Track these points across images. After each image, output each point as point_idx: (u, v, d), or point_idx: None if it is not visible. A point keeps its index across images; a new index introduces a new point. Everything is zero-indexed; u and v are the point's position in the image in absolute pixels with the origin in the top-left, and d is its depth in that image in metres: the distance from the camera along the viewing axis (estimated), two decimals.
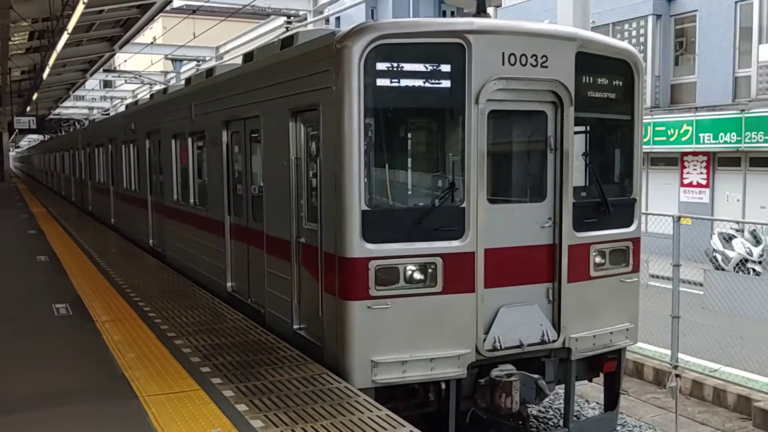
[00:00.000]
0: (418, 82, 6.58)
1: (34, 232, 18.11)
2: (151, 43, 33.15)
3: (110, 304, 9.48)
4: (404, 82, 6.55)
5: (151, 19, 25.24)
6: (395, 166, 7.20)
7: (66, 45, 20.63)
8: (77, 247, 15.12)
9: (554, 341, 7.13)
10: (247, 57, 9.48)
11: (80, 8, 14.03)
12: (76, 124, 38.19)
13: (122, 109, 25.71)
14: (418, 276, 6.60)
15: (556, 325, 7.18)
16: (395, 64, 6.50)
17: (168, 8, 24.26)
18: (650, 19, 23.65)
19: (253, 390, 6.12)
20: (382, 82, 6.49)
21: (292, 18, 22.99)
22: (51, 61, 22.28)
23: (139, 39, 31.26)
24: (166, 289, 10.45)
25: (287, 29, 21.55)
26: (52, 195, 34.78)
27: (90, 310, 9.17)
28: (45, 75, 25.78)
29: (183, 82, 14.17)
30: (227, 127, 9.74)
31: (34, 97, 35.06)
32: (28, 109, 40.33)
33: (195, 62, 33.71)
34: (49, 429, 5.50)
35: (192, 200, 11.80)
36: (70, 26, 15.94)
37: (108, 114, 44.00)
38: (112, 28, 27.98)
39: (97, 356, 7.21)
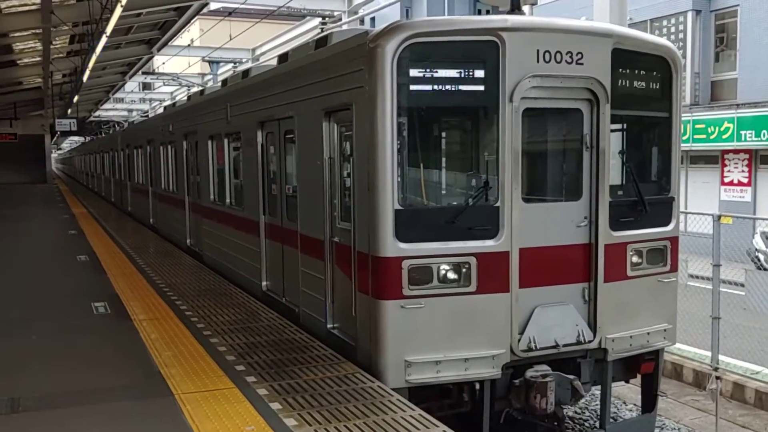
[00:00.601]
0: (451, 81, 6.52)
1: (75, 232, 18.43)
2: (189, 45, 33.57)
3: (148, 303, 9.61)
4: (438, 81, 6.49)
5: (188, 22, 25.56)
6: (428, 165, 7.16)
7: (105, 48, 20.97)
8: (116, 246, 15.35)
9: (590, 342, 7.04)
10: (282, 58, 9.54)
11: (118, 11, 14.24)
12: (116, 125, 38.79)
13: (160, 110, 25.96)
14: (451, 275, 6.54)
15: (592, 325, 7.08)
16: (428, 63, 6.46)
17: (205, 10, 24.53)
18: (689, 15, 23.27)
19: (287, 388, 6.15)
20: (415, 80, 6.46)
21: (327, 19, 23.09)
22: (90, 64, 22.64)
23: (176, 41, 31.66)
24: (202, 288, 10.56)
25: (322, 30, 21.63)
26: (93, 196, 35.32)
27: (128, 308, 9.31)
28: (85, 78, 26.21)
29: (220, 84, 14.33)
30: (262, 128, 9.77)
31: (75, 99, 35.65)
32: (69, 111, 41.05)
33: (231, 64, 34.03)
34: (87, 425, 5.58)
35: (228, 200, 11.85)
36: (109, 29, 16.19)
37: (147, 116, 44.60)
38: (150, 30, 28.38)
39: (135, 354, 7.31)
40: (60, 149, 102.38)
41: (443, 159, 7.57)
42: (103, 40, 17.57)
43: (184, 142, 14.76)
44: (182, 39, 32.99)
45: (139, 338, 7.87)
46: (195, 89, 29.97)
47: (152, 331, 8.15)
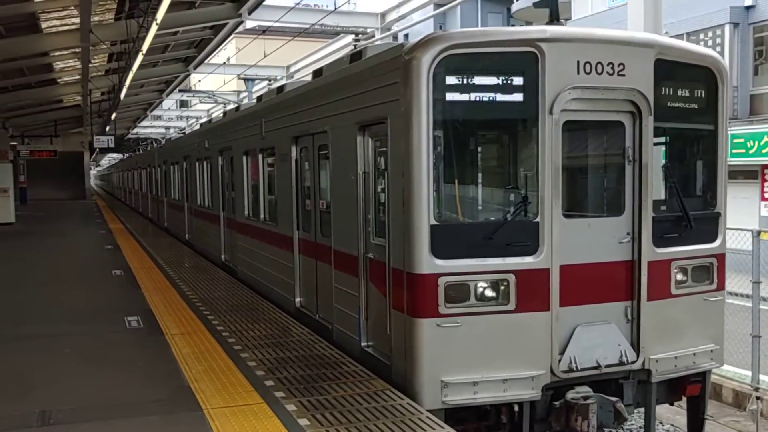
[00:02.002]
0: (489, 93, 6.37)
1: (111, 247, 18.67)
2: (224, 63, 33.98)
3: (180, 318, 9.65)
4: (474, 93, 6.35)
5: (224, 40, 25.86)
6: (465, 180, 7.04)
7: (142, 66, 21.34)
8: (151, 261, 15.50)
9: (633, 362, 6.79)
10: (317, 73, 9.50)
11: (153, 29, 14.46)
12: (153, 142, 39.34)
13: (197, 127, 26.25)
14: (489, 293, 6.36)
15: (635, 345, 6.84)
16: (465, 75, 6.31)
17: (240, 29, 24.80)
18: (727, 28, 22.94)
19: (316, 405, 6.11)
20: (451, 93, 6.32)
21: (360, 36, 23.20)
22: (127, 82, 23.03)
23: (213, 59, 32.06)
24: (234, 303, 10.59)
25: (355, 47, 21.73)
26: (130, 211, 35.82)
27: (160, 323, 9.36)
28: (122, 95, 26.67)
29: (255, 100, 14.43)
30: (296, 143, 9.73)
31: (113, 116, 36.30)
32: (107, 128, 41.76)
33: (266, 81, 34.37)
34: None
35: (262, 216, 11.85)
36: (145, 47, 16.45)
37: (183, 133, 45.18)
38: (187, 49, 28.80)
39: (165, 368, 7.33)
40: (99, 166, 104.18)
41: (480, 173, 7.41)
42: (140, 58, 17.86)
43: (220, 158, 14.82)
44: (218, 57, 33.40)
45: (170, 352, 7.89)
46: (230, 106, 30.33)
47: (183, 345, 8.17)
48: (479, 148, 7.48)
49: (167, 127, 58.21)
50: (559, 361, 6.53)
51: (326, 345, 8.10)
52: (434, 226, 6.29)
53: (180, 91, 38.94)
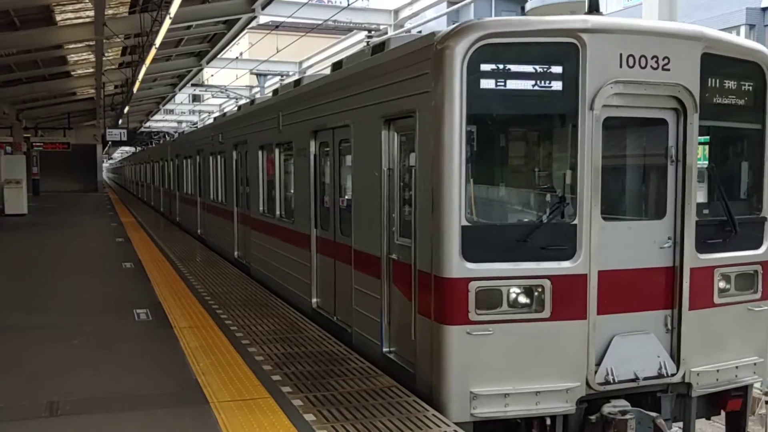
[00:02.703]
0: (526, 86, 5.99)
1: (122, 239, 18.75)
2: (237, 58, 34.04)
3: (189, 311, 9.68)
4: (511, 86, 5.97)
5: (237, 35, 25.92)
6: (499, 178, 6.77)
7: (155, 60, 21.41)
8: (162, 255, 15.56)
9: (673, 375, 6.41)
10: (336, 66, 9.24)
11: (167, 23, 14.50)
12: (166, 136, 39.47)
13: (210, 121, 25.97)
14: (523, 299, 6.02)
15: (675, 356, 6.46)
16: (501, 66, 5.93)
17: (254, 24, 24.85)
18: (743, 30, 22.83)
19: (322, 400, 6.11)
20: (486, 85, 5.93)
21: (372, 32, 23.17)
22: (141, 76, 23.11)
23: (225, 54, 32.14)
24: (243, 298, 10.61)
25: (368, 43, 21.73)
26: (142, 205, 35.89)
27: (169, 316, 9.39)
28: (135, 89, 26.76)
29: (270, 94, 14.36)
30: (315, 137, 9.40)
31: (126, 110, 36.47)
32: (120, 121, 42.00)
33: (279, 76, 34.40)
34: (123, 431, 5.62)
35: (278, 212, 11.53)
36: (158, 41, 16.49)
37: (197, 126, 45.28)
38: (200, 43, 28.89)
39: (173, 361, 7.35)
40: (111, 159, 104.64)
41: (514, 171, 7.07)
42: (153, 51, 17.91)
43: (234, 152, 14.55)
44: (231, 52, 33.47)
45: (178, 346, 7.92)
46: (243, 101, 30.36)
47: (192, 339, 8.20)
48: (515, 145, 7.08)
49: (179, 121, 58.43)
50: (595, 372, 6.16)
51: (334, 341, 8.11)
52: (465, 227, 5.94)
53: (192, 85, 39.05)
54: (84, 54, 26.19)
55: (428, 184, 6.14)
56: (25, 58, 25.04)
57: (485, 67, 5.91)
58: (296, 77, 27.48)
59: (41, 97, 35.14)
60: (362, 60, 8.13)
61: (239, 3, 21.50)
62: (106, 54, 25.23)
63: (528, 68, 5.99)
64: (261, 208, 12.47)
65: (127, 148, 68.43)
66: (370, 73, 7.58)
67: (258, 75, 34.94)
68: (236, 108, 18.24)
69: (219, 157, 16.33)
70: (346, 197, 8.47)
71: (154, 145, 39.97)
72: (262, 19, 24.86)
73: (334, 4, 26.82)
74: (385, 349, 7.23)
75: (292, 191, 10.85)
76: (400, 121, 6.93)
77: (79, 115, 44.35)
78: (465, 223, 5.94)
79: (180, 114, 57.78)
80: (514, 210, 6.89)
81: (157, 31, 16.16)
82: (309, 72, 32.03)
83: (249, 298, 10.62)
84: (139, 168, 43.38)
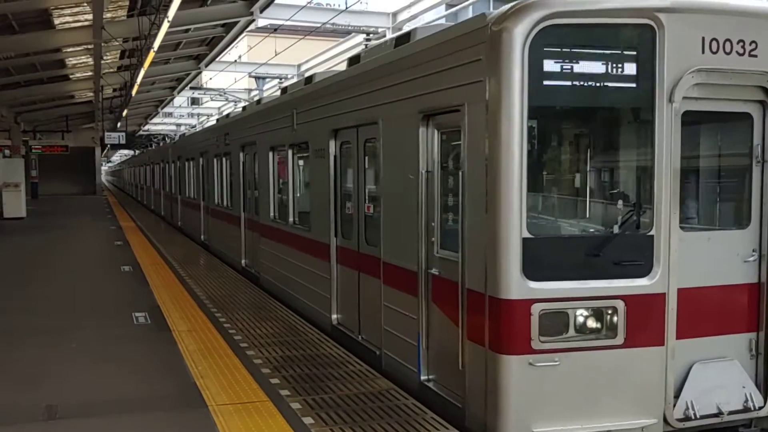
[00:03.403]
0: (594, 75, 5.25)
1: (121, 243, 18.75)
2: (235, 61, 34.05)
3: (188, 315, 9.68)
4: (578, 75, 5.23)
5: (235, 38, 25.92)
6: (565, 182, 6.12)
7: (154, 63, 21.42)
8: (161, 259, 15.55)
9: (760, 408, 5.65)
10: (353, 60, 8.69)
11: (165, 26, 14.51)
12: (165, 138, 39.46)
13: (212, 122, 25.13)
14: (592, 323, 5.28)
15: (762, 386, 5.71)
16: (568, 51, 5.19)
17: (252, 27, 24.85)
18: None
19: (321, 403, 6.11)
20: (551, 74, 5.18)
21: (371, 35, 23.19)
22: (139, 79, 23.12)
23: (224, 57, 32.14)
24: (242, 301, 10.61)
25: (366, 46, 21.73)
26: (141, 209, 35.73)
27: (168, 319, 9.39)
28: (134, 92, 26.77)
29: (277, 93, 13.98)
30: (335, 137, 8.70)
31: (124, 113, 36.46)
32: (119, 125, 41.98)
33: (277, 79, 34.41)
34: None
35: (291, 219, 10.83)
36: (156, 44, 16.50)
37: (197, 128, 45.25)
38: (198, 46, 28.88)
39: (172, 364, 7.35)
40: (110, 162, 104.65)
41: (583, 174, 6.23)
42: (151, 55, 17.91)
43: (241, 154, 13.79)
44: (230, 55, 33.47)
45: (177, 349, 7.91)
46: (242, 104, 30.36)
47: (190, 342, 8.19)
48: (583, 143, 6.24)
49: (178, 125, 58.37)
50: (674, 406, 5.45)
51: (332, 344, 8.11)
52: (527, 239, 5.16)
53: (191, 88, 39.07)
54: (82, 57, 26.17)
55: (480, 189, 5.39)
56: (24, 62, 25.04)
57: (549, 51, 5.16)
58: (295, 80, 27.52)
59: (39, 100, 35.14)
60: (386, 53, 7.46)
61: (238, 6, 21.52)
62: (105, 57, 25.23)
63: (598, 53, 5.25)
64: (272, 214, 11.79)
65: (125, 151, 68.52)
66: (405, 63, 6.75)
67: (257, 78, 34.96)
68: (241, 108, 17.84)
69: (224, 159, 15.67)
70: (374, 203, 7.73)
71: (154, 147, 39.93)
72: (261, 22, 24.85)
73: (333, 7, 26.85)
74: (423, 377, 6.43)
75: (307, 196, 10.14)
76: (442, 117, 6.16)
77: (78, 118, 44.34)
78: (527, 234, 5.17)
79: (179, 117, 57.70)
80: (581, 219, 6.14)
81: (156, 35, 16.17)
82: (308, 74, 32.00)
83: (247, 302, 10.61)
84: (139, 171, 43.03)
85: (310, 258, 9.61)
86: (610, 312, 5.31)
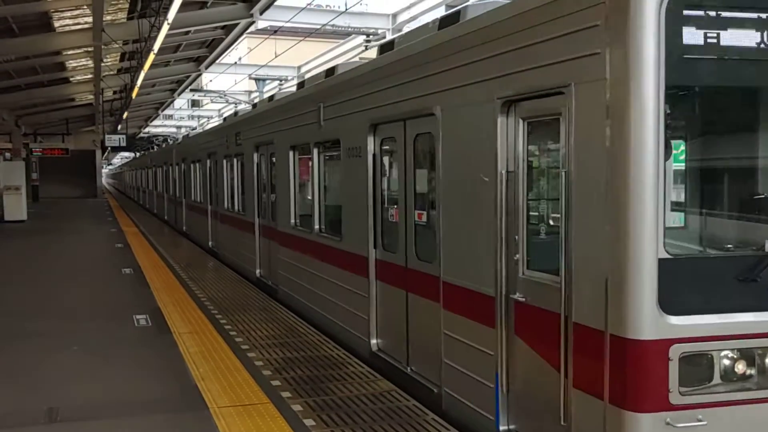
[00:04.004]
0: (750, 44, 4.08)
1: (121, 245, 18.76)
2: (235, 63, 34.09)
3: (188, 317, 9.68)
4: (728, 45, 4.05)
5: (235, 40, 25.93)
6: (713, 185, 4.99)
7: (154, 65, 21.41)
8: (162, 261, 15.55)
9: None
10: (386, 47, 7.67)
11: (165, 29, 14.52)
12: (168, 140, 39.37)
13: (218, 122, 23.66)
14: (744, 369, 4.12)
15: None
16: (714, 15, 4.04)
17: (252, 29, 24.87)
18: None
19: (322, 405, 6.11)
20: (692, 45, 4.01)
21: (371, 36, 23.18)
22: (139, 81, 23.14)
23: (224, 59, 32.16)
24: (243, 303, 10.62)
25: (366, 48, 21.75)
26: (143, 212, 35.45)
27: (169, 321, 9.39)
28: (134, 94, 26.79)
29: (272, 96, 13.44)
30: (374, 132, 7.52)
31: (125, 115, 36.49)
32: (119, 127, 42.03)
33: (277, 81, 34.44)
34: None
35: (317, 226, 9.60)
36: (156, 47, 16.51)
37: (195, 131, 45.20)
38: (198, 48, 28.90)
39: (173, 367, 7.35)
40: (110, 164, 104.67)
41: (735, 175, 5.03)
42: (151, 57, 17.93)
43: (255, 154, 12.70)
44: (230, 57, 33.50)
45: (178, 351, 7.92)
46: (242, 106, 30.34)
47: (191, 344, 8.19)
48: (737, 134, 5.02)
49: (178, 127, 58.41)
50: None
51: (333, 345, 8.11)
52: (665, 260, 4.00)
53: (191, 90, 39.08)
54: (82, 60, 26.22)
55: (595, 194, 4.23)
56: (24, 65, 25.07)
57: (691, 14, 4.01)
58: (295, 81, 27.53)
59: (40, 103, 35.18)
60: (431, 35, 6.48)
61: (237, 8, 21.52)
62: (105, 60, 25.25)
63: (752, 17, 4.09)
64: (292, 221, 10.64)
65: (126, 153, 68.55)
66: (475, 39, 5.52)
67: (257, 80, 34.96)
68: (251, 106, 17.04)
69: (235, 160, 14.58)
70: (428, 210, 6.66)
71: (156, 148, 39.59)
72: (261, 24, 24.87)
73: (333, 9, 26.86)
74: (503, 427, 5.30)
75: (338, 201, 8.78)
76: (532, 103, 4.97)
77: (78, 120, 44.39)
78: (665, 255, 4.00)
79: (179, 119, 57.74)
80: (731, 233, 4.92)
81: (156, 37, 16.18)
82: (308, 76, 32.01)
83: (248, 303, 10.62)
84: (141, 173, 42.39)
85: (341, 272, 8.46)
86: None
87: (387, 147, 7.47)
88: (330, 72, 9.31)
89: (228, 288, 11.96)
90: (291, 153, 10.66)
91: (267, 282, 12.23)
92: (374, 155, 7.57)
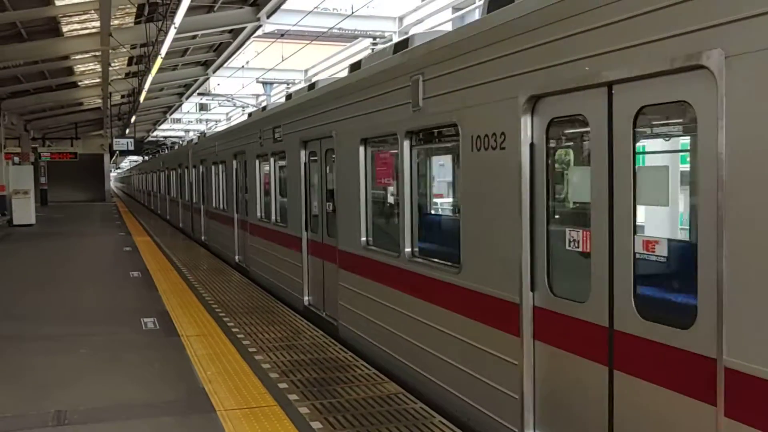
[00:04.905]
0: None
1: (129, 248, 18.80)
2: (243, 66, 34.16)
3: (196, 319, 9.69)
4: None
5: (242, 44, 26.00)
6: None
7: (161, 69, 21.50)
8: (170, 264, 15.58)
9: None
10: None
11: (172, 33, 14.56)
12: (180, 142, 39.20)
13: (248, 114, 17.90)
14: None
15: None
16: None
17: (259, 32, 24.93)
18: None
19: (329, 407, 6.10)
20: None
21: (377, 39, 23.20)
22: (147, 85, 23.21)
23: (232, 63, 32.23)
24: (250, 306, 10.62)
25: (373, 50, 21.76)
26: (154, 218, 34.84)
27: (176, 324, 9.40)
28: (142, 98, 26.87)
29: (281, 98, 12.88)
30: (533, 112, 4.97)
31: (133, 119, 36.60)
32: (128, 131, 42.17)
33: (285, 84, 34.51)
34: None
35: (409, 249, 7.12)
36: (163, 51, 16.56)
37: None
38: (206, 52, 28.97)
39: (181, 369, 7.36)
40: (119, 168, 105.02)
41: None
42: (159, 61, 17.98)
43: (303, 152, 10.46)
44: (237, 60, 33.57)
45: (185, 354, 7.92)
46: (249, 109, 30.32)
47: (199, 347, 8.20)
48: None
49: (186, 130, 58.57)
50: None
51: (339, 348, 8.10)
52: None
53: (199, 94, 39.15)
54: (90, 64, 26.32)
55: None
56: (32, 69, 25.18)
57: None
58: (302, 85, 27.53)
59: (48, 107, 35.32)
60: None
61: (245, 12, 21.58)
62: (113, 64, 25.34)
63: None
64: (363, 239, 8.27)
65: (136, 158, 68.75)
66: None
67: (264, 83, 35.04)
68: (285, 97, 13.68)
69: (273, 161, 12.51)
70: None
71: (167, 150, 39.15)
72: (268, 27, 24.92)
73: (339, 12, 26.91)
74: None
75: (460, 212, 6.05)
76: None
77: (87, 125, 44.57)
78: None
79: (187, 123, 57.93)
80: None
81: (163, 41, 16.23)
82: (315, 79, 32.06)
83: (255, 305, 10.62)
84: (151, 177, 40.87)
85: (472, 324, 5.82)
86: None
87: (563, 132, 5.32)
88: (401, 44, 7.56)
89: (234, 291, 11.97)
90: (362, 149, 8.18)
91: (323, 315, 9.88)
92: (536, 144, 5.04)
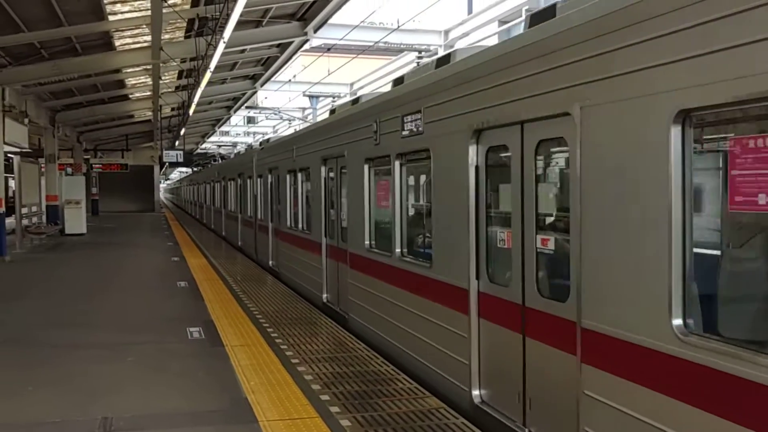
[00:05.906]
0: None
1: (177, 259, 19.06)
2: (290, 80, 34.55)
3: (240, 330, 9.79)
4: None
5: (290, 58, 26.29)
6: None
7: (210, 83, 21.83)
8: (219, 277, 15.75)
9: None
10: (398, 81, 7.55)
11: (221, 47, 14.80)
12: (223, 155, 39.51)
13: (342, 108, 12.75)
14: None
15: None
16: None
17: (306, 46, 25.20)
18: None
19: (370, 420, 6.10)
20: None
21: (423, 53, 23.28)
22: (196, 98, 23.61)
23: (279, 77, 32.62)
24: (294, 317, 10.70)
25: (418, 64, 21.81)
26: (207, 233, 31.01)
27: (221, 334, 9.51)
28: (191, 111, 27.32)
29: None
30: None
31: (182, 132, 37.22)
32: (177, 143, 42.90)
33: (331, 98, 34.78)
34: None
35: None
36: (212, 65, 16.83)
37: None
38: (254, 66, 29.37)
39: (224, 379, 7.43)
40: (168, 179, 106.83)
41: None
42: (208, 75, 18.28)
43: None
44: (284, 74, 33.98)
45: (229, 364, 8.01)
46: (296, 122, 30.65)
47: (243, 357, 8.29)
48: None
49: (234, 143, 59.39)
50: None
51: (381, 361, 8.10)
52: None
53: (247, 107, 39.69)
54: (141, 77, 26.86)
55: None
56: (86, 82, 25.80)
57: None
58: (347, 98, 27.70)
59: (100, 119, 36.12)
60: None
61: (292, 26, 21.84)
62: (163, 77, 25.84)
63: None
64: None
65: (184, 169, 69.83)
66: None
67: (310, 97, 35.40)
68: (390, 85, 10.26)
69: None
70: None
71: (223, 159, 38.42)
72: (315, 41, 25.18)
73: (385, 26, 27.06)
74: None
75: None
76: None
77: (137, 137, 45.45)
78: None
79: (235, 135, 58.75)
80: None
81: (212, 55, 16.51)
82: (360, 92, 32.27)
83: (299, 317, 10.70)
84: (206, 188, 37.57)
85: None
86: None
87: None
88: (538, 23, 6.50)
89: (278, 302, 12.06)
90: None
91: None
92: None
